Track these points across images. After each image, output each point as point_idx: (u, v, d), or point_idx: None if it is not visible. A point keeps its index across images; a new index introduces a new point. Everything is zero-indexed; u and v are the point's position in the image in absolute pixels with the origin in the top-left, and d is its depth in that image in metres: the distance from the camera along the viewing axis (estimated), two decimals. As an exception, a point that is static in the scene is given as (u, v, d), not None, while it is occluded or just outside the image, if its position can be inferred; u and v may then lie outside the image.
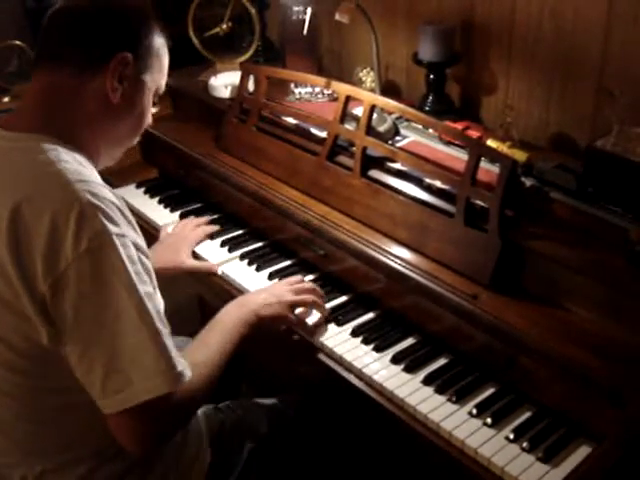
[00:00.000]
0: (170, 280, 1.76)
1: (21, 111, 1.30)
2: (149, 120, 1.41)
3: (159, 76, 1.39)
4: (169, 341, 1.19)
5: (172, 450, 1.41)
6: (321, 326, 1.61)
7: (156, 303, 1.21)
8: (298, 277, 1.71)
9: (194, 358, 1.31)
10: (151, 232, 2.07)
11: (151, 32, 1.34)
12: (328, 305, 1.68)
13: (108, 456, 1.31)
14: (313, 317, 1.62)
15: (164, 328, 1.19)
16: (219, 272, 1.83)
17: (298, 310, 1.60)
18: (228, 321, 1.47)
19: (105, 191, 1.19)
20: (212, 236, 1.96)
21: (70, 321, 1.13)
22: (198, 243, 1.92)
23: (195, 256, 1.89)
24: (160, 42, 1.36)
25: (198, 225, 1.97)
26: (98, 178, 1.23)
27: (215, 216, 2.07)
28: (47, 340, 1.16)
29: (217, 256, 1.88)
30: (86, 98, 1.27)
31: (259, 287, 1.74)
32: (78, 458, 1.31)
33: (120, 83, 1.29)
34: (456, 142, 1.86)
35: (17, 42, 2.80)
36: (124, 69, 1.28)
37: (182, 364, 1.20)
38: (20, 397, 1.26)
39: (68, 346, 1.15)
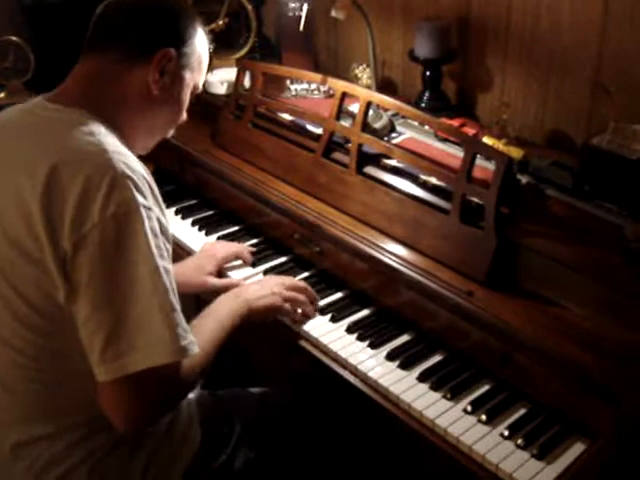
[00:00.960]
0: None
1: (65, 89, 1.34)
2: (184, 116, 1.47)
3: (198, 75, 1.44)
4: (179, 315, 1.22)
5: (162, 427, 1.41)
6: (310, 317, 1.63)
7: (172, 280, 1.23)
8: (291, 277, 1.72)
9: None
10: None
11: (195, 32, 1.40)
12: (324, 302, 1.68)
13: (102, 425, 1.30)
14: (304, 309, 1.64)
15: (175, 300, 1.22)
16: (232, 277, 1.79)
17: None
18: (221, 311, 1.49)
19: (139, 166, 1.24)
20: (207, 231, 1.95)
21: (85, 279, 1.16)
22: (227, 262, 1.83)
23: (187, 251, 1.88)
24: (202, 42, 1.43)
25: (231, 246, 1.88)
26: (134, 155, 1.28)
27: (211, 212, 2.07)
28: (63, 297, 1.18)
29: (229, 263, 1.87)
30: (128, 85, 1.33)
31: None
32: (73, 424, 1.32)
33: (161, 76, 1.34)
34: (452, 139, 1.86)
35: (13, 38, 2.79)
36: (167, 63, 1.34)
37: (188, 339, 1.22)
38: (32, 356, 1.27)
39: (80, 304, 1.18)
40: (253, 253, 1.87)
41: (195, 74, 1.43)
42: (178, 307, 1.23)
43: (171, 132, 1.50)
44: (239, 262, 1.84)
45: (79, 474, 1.33)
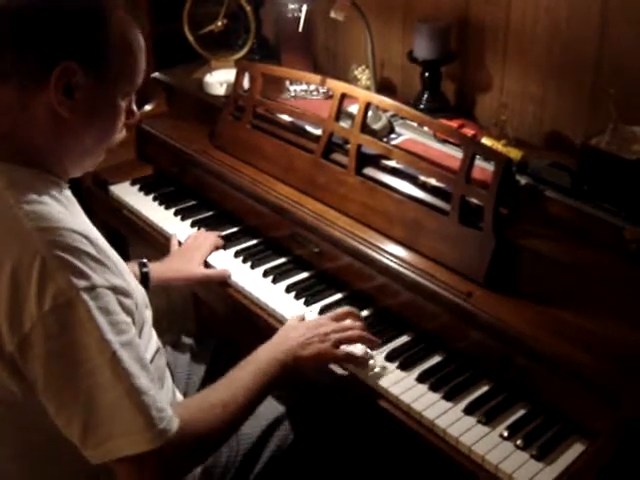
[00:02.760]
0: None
1: None
2: (135, 117, 1.28)
3: (127, 77, 1.22)
4: (149, 396, 1.10)
5: None
6: (370, 358, 1.49)
7: (137, 351, 1.12)
8: (345, 309, 1.55)
9: (214, 398, 1.24)
10: (146, 229, 2.07)
11: (108, 30, 1.16)
12: (322, 303, 1.68)
13: None
14: (359, 350, 1.49)
15: (143, 380, 1.10)
16: (233, 284, 1.78)
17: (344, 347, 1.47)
18: (263, 360, 1.35)
19: (71, 235, 1.09)
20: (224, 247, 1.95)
21: (42, 379, 1.07)
22: (211, 253, 1.86)
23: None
24: (124, 39, 1.19)
25: (209, 237, 1.91)
26: (63, 218, 1.11)
27: (209, 213, 2.07)
28: (21, 396, 1.12)
29: (211, 254, 1.88)
30: (35, 116, 1.15)
31: (253, 284, 1.75)
32: None
33: (69, 96, 1.14)
34: (451, 140, 1.86)
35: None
36: (70, 79, 1.13)
37: (165, 420, 1.11)
38: (8, 442, 1.22)
39: (43, 401, 1.10)
40: (252, 253, 1.87)
41: (121, 79, 1.20)
42: (147, 384, 1.11)
43: (119, 137, 1.28)
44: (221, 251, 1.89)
45: None
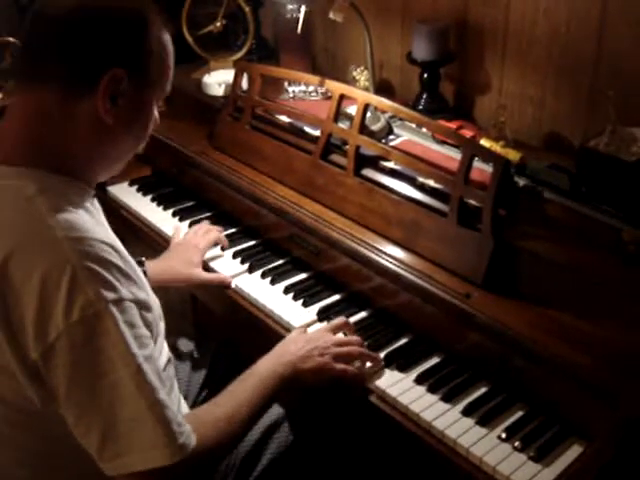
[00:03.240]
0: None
1: (4, 139, 1.16)
2: (157, 122, 1.29)
3: (162, 86, 1.24)
4: (170, 410, 1.11)
5: None
6: (375, 372, 1.47)
7: (156, 364, 1.13)
8: (341, 320, 1.54)
9: (218, 412, 1.24)
10: (144, 230, 2.07)
11: (149, 37, 1.17)
12: (321, 304, 1.68)
13: None
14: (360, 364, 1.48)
15: (164, 395, 1.11)
16: (232, 285, 1.77)
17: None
18: (263, 373, 1.34)
19: (100, 247, 1.09)
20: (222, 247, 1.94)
21: (64, 389, 1.07)
22: (209, 249, 1.85)
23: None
24: (161, 44, 1.20)
25: (209, 231, 1.90)
26: (94, 229, 1.12)
27: (208, 214, 2.07)
28: (40, 402, 1.10)
29: (210, 254, 1.87)
30: (78, 122, 1.15)
31: (252, 285, 1.75)
32: None
33: (114, 103, 1.15)
34: (449, 141, 1.86)
35: (10, 38, 2.79)
36: (117, 86, 1.14)
37: (184, 434, 1.11)
38: (18, 446, 1.21)
39: (63, 411, 1.10)
40: (250, 254, 1.87)
41: (158, 87, 1.22)
42: (167, 398, 1.11)
43: (141, 149, 1.30)
44: (219, 252, 1.88)
45: None
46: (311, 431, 1.64)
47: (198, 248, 1.81)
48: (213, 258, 1.87)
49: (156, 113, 1.28)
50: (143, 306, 1.15)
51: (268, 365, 1.37)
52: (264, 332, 1.66)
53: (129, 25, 1.15)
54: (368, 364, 1.47)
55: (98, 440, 1.08)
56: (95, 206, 1.25)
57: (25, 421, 1.17)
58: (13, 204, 1.10)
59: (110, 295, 1.06)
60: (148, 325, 1.16)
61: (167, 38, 1.22)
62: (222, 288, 1.78)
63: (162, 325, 1.34)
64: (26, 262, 1.06)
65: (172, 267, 1.75)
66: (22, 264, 1.06)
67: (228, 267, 1.83)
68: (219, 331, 2.26)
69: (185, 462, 1.11)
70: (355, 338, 1.50)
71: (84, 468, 1.16)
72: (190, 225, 2.03)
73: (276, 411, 1.61)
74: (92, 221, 1.15)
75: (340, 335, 1.51)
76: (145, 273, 1.66)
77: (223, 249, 1.91)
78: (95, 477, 1.16)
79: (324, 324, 1.58)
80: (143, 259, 1.71)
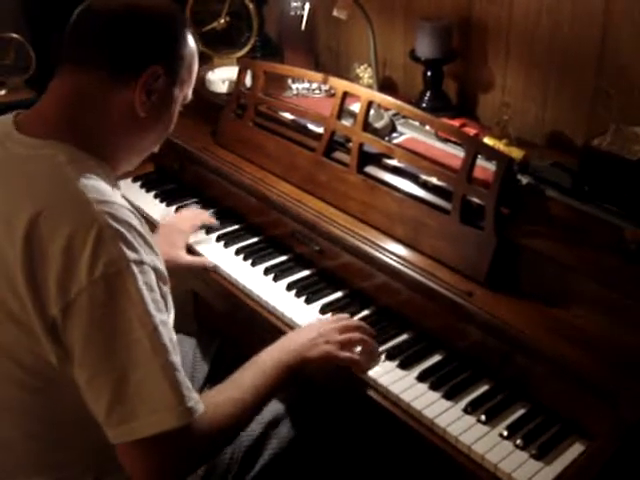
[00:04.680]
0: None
1: (42, 113, 1.24)
2: (172, 129, 1.37)
3: (188, 87, 1.34)
4: (181, 374, 1.14)
5: None
6: (374, 360, 1.49)
7: (170, 331, 1.17)
8: (345, 315, 1.58)
9: (223, 396, 1.26)
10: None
11: (184, 41, 1.28)
12: (323, 301, 1.68)
13: (109, 470, 1.28)
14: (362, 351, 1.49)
15: (176, 358, 1.15)
16: (211, 265, 1.82)
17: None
18: (268, 362, 1.35)
19: (125, 212, 1.15)
20: (208, 230, 1.96)
21: (80, 346, 1.10)
22: (193, 232, 1.89)
23: (190, 251, 1.88)
24: (191, 51, 1.31)
25: (194, 215, 1.95)
26: (118, 196, 1.20)
27: (211, 211, 2.07)
28: (56, 360, 1.13)
29: (212, 251, 1.88)
30: (112, 109, 1.23)
31: (254, 282, 1.75)
32: (81, 473, 1.28)
33: (148, 97, 1.24)
34: (453, 139, 1.86)
35: (14, 35, 2.80)
36: (154, 82, 1.23)
37: (193, 399, 1.15)
38: (31, 415, 1.23)
39: (76, 370, 1.12)
40: (253, 251, 1.87)
41: (185, 86, 1.33)
42: (178, 359, 1.15)
43: (158, 147, 1.40)
44: (204, 235, 1.91)
45: None
46: (313, 427, 1.64)
47: (182, 231, 1.84)
48: (199, 242, 1.90)
49: (173, 124, 1.36)
50: (160, 276, 1.19)
51: (273, 354, 1.37)
52: (266, 329, 1.66)
53: (170, 29, 1.26)
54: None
55: (107, 403, 1.10)
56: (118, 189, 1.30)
57: (40, 388, 1.19)
58: (44, 170, 1.16)
59: (132, 255, 1.11)
60: (164, 295, 1.19)
61: (195, 47, 1.33)
62: (224, 284, 1.78)
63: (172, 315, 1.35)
64: (54, 222, 1.10)
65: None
66: (50, 223, 1.10)
67: (231, 264, 1.83)
68: (221, 328, 2.26)
69: (193, 431, 1.14)
70: (356, 322, 1.53)
71: (91, 445, 1.21)
72: (192, 221, 2.03)
73: (277, 407, 1.62)
74: (116, 194, 1.21)
75: (343, 322, 1.51)
76: None
77: (208, 232, 1.95)
78: (100, 455, 1.20)
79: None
80: None
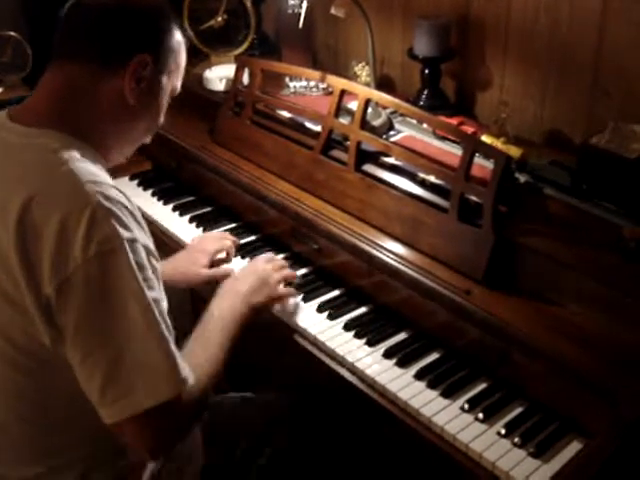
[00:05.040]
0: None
1: (35, 105, 1.27)
2: (162, 120, 1.40)
3: (176, 77, 1.37)
4: (174, 347, 1.18)
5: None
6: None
7: (162, 308, 1.19)
8: (271, 254, 1.74)
9: (197, 357, 1.30)
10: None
11: (171, 32, 1.32)
12: (321, 299, 1.68)
13: (101, 461, 1.31)
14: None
15: (169, 334, 1.18)
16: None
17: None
18: (225, 315, 1.44)
19: (117, 193, 1.18)
20: (205, 228, 1.95)
21: (74, 325, 1.11)
22: (217, 254, 1.82)
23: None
24: (179, 43, 1.34)
25: (220, 236, 1.89)
26: (109, 179, 1.22)
27: (208, 209, 2.07)
28: (49, 341, 1.14)
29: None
30: (103, 97, 1.26)
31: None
32: (71, 462, 1.30)
33: (138, 84, 1.27)
34: (450, 137, 1.86)
35: (11, 33, 2.79)
36: (142, 70, 1.27)
37: (185, 369, 1.19)
38: (24, 398, 1.24)
39: (70, 350, 1.14)
40: (251, 249, 1.87)
41: (173, 77, 1.36)
42: (171, 335, 1.19)
43: (149, 138, 1.42)
44: (223, 254, 1.86)
45: None
46: (311, 428, 1.64)
47: (206, 251, 1.80)
48: (220, 261, 1.84)
49: (163, 114, 1.39)
50: (152, 254, 1.22)
51: (226, 306, 1.47)
52: (263, 327, 1.66)
53: (157, 20, 1.30)
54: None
55: (101, 381, 1.13)
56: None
57: (33, 370, 1.21)
58: (37, 157, 1.18)
59: (125, 234, 1.14)
60: (155, 272, 1.21)
61: (182, 41, 1.36)
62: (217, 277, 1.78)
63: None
64: (47, 204, 1.12)
65: (178, 268, 1.75)
66: (44, 205, 1.12)
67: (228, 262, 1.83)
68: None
69: (183, 400, 1.18)
70: (283, 262, 1.68)
71: (83, 432, 1.24)
72: (190, 220, 2.03)
73: (277, 408, 1.62)
74: (107, 176, 1.24)
75: (276, 262, 1.66)
76: None
77: (206, 229, 1.96)
78: (92, 443, 1.25)
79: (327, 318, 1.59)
80: None
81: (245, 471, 1.53)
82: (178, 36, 1.34)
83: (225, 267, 1.80)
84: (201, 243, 1.84)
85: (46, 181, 1.15)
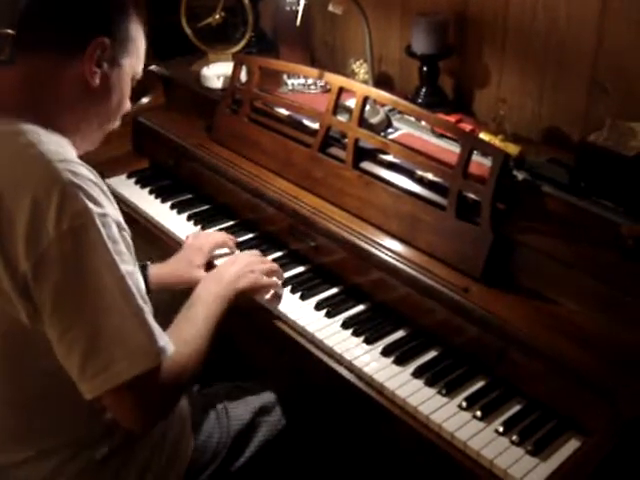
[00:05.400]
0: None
1: None
2: (128, 105, 1.41)
3: (136, 61, 1.38)
4: (150, 317, 1.20)
5: (155, 436, 1.41)
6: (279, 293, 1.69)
7: (137, 281, 1.21)
8: (256, 252, 1.78)
9: (181, 334, 1.34)
10: (141, 223, 2.06)
11: (128, 17, 1.33)
12: (319, 297, 1.68)
13: (87, 444, 1.32)
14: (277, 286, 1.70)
15: (145, 305, 1.20)
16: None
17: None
18: (209, 298, 1.48)
19: (85, 170, 1.19)
20: (203, 226, 1.95)
21: (51, 300, 1.13)
22: (213, 251, 1.83)
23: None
24: (136, 27, 1.36)
25: (218, 236, 1.89)
26: (77, 159, 1.23)
27: (206, 207, 2.07)
28: (27, 319, 1.16)
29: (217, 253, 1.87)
30: (65, 83, 1.27)
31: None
32: (57, 446, 1.31)
33: (99, 67, 1.28)
34: (448, 135, 1.86)
35: (9, 31, 2.78)
36: (102, 53, 1.28)
37: (164, 339, 1.21)
38: (4, 380, 1.26)
39: (48, 326, 1.16)
40: (248, 247, 1.86)
41: (133, 60, 1.37)
42: (148, 307, 1.21)
43: (117, 123, 1.42)
44: (225, 250, 1.86)
45: None
46: (303, 418, 1.64)
47: (202, 250, 1.80)
48: (219, 256, 1.84)
49: (127, 98, 1.40)
50: (122, 227, 1.23)
51: (210, 291, 1.51)
52: (261, 324, 1.66)
53: (114, 3, 1.32)
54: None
55: (80, 356, 1.14)
56: None
57: (14, 354, 1.24)
58: (4, 142, 1.20)
59: (96, 209, 1.15)
60: (128, 247, 1.23)
61: (140, 27, 1.37)
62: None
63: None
64: (19, 186, 1.14)
65: (175, 270, 1.76)
66: (16, 188, 1.14)
67: (217, 254, 1.84)
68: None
69: (164, 371, 1.21)
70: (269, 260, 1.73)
71: (65, 412, 1.28)
72: (188, 218, 2.03)
73: (268, 395, 1.64)
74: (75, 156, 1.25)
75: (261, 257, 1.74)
76: (147, 278, 1.67)
77: (204, 227, 1.96)
78: (74, 424, 1.28)
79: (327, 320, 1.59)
80: (148, 263, 1.71)
81: (234, 457, 1.53)
82: (135, 22, 1.36)
83: None
84: (196, 242, 1.84)
85: (15, 166, 1.16)
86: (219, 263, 1.80)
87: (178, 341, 1.28)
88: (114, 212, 1.21)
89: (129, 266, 1.19)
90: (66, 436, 1.31)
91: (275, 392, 1.65)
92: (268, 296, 1.67)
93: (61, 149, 1.21)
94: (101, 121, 1.37)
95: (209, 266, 1.78)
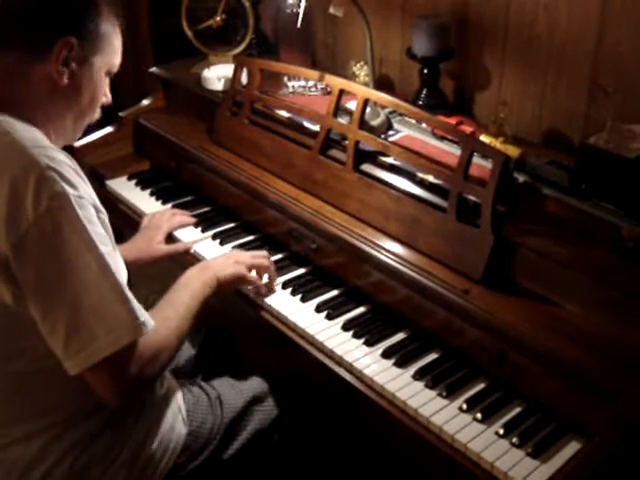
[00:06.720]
0: (157, 275, 1.76)
1: None
2: (108, 98, 1.44)
3: (110, 57, 1.40)
4: (129, 293, 1.24)
5: (147, 421, 1.43)
6: (272, 289, 1.70)
7: (116, 261, 1.26)
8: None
9: (162, 312, 1.38)
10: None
11: (97, 15, 1.34)
12: (320, 299, 1.68)
13: (75, 422, 1.35)
14: (265, 279, 1.71)
15: (124, 282, 1.24)
16: (192, 250, 1.87)
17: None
18: (192, 283, 1.51)
19: (61, 155, 1.23)
20: (204, 228, 1.95)
21: (32, 279, 1.17)
22: (172, 229, 1.93)
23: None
24: (108, 25, 1.37)
25: (174, 215, 1.98)
26: (53, 145, 1.26)
27: (207, 209, 2.07)
28: (11, 300, 1.20)
29: (208, 249, 1.87)
30: (35, 81, 1.30)
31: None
32: (45, 426, 1.33)
33: (66, 66, 1.30)
34: (449, 137, 1.86)
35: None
36: (69, 53, 1.30)
37: (144, 315, 1.25)
38: None
39: (32, 306, 1.19)
40: (249, 249, 1.85)
41: (106, 57, 1.38)
42: (125, 285, 1.25)
43: (96, 115, 1.45)
44: (200, 234, 1.94)
45: (60, 471, 1.34)
46: (296, 408, 1.66)
47: (160, 228, 1.90)
48: (195, 241, 1.91)
49: (108, 90, 1.44)
50: (99, 210, 1.28)
51: (194, 276, 1.54)
52: (260, 325, 1.66)
53: (80, 3, 1.33)
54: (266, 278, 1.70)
55: (64, 333, 1.19)
56: None
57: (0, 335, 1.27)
58: None
59: (72, 191, 1.19)
60: (106, 229, 1.28)
61: (113, 23, 1.39)
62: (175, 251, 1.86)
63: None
64: None
65: (136, 246, 1.85)
66: None
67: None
68: (208, 320, 2.26)
69: (144, 345, 1.25)
70: (264, 253, 1.73)
71: (50, 392, 1.31)
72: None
73: (261, 384, 1.65)
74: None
75: (255, 252, 1.74)
76: None
77: (205, 229, 1.97)
78: (67, 396, 1.31)
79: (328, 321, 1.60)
80: None
81: (226, 445, 1.54)
82: (107, 19, 1.37)
83: (185, 242, 1.90)
84: (155, 221, 1.93)
85: None
86: (180, 236, 1.91)
87: (158, 319, 1.32)
88: (90, 195, 1.25)
89: (107, 247, 1.23)
90: (54, 415, 1.33)
91: (268, 382, 1.66)
92: (251, 287, 1.69)
93: (37, 135, 1.25)
94: (75, 116, 1.39)
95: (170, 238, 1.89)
